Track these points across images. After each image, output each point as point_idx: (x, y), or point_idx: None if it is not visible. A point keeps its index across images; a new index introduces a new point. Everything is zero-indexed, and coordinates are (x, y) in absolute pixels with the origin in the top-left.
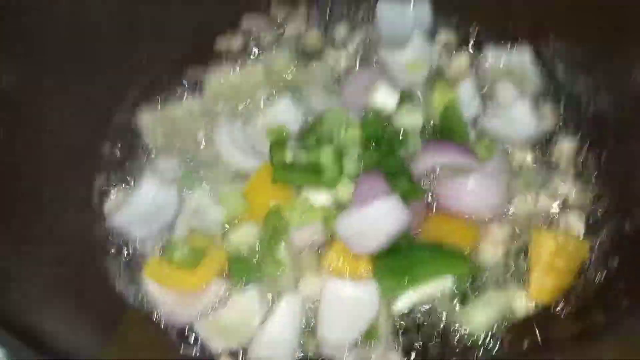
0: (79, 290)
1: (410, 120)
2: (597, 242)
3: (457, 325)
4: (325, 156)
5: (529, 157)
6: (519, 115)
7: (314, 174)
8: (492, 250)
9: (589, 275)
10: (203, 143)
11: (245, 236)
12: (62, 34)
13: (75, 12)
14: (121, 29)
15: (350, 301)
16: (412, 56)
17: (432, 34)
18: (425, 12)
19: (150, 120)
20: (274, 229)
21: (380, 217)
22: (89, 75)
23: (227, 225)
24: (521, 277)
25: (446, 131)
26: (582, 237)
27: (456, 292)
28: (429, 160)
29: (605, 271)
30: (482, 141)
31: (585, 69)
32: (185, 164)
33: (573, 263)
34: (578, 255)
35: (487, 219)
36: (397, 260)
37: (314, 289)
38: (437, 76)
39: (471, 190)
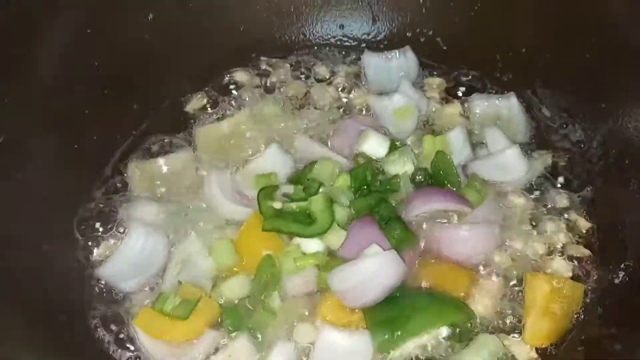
0: (66, 344)
1: (401, 167)
2: (590, 285)
3: None
4: (315, 204)
5: (519, 202)
6: (508, 161)
7: (304, 222)
8: (485, 295)
9: (584, 318)
10: (192, 193)
11: (237, 287)
12: (54, 85)
13: (67, 65)
14: (112, 82)
15: (343, 351)
16: (400, 103)
17: (419, 83)
18: (411, 62)
19: (139, 171)
20: (267, 278)
21: (376, 271)
22: (79, 126)
23: (218, 275)
24: (516, 321)
25: (437, 177)
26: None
27: (450, 338)
28: (422, 207)
29: (599, 315)
30: (473, 186)
31: (570, 114)
32: (174, 213)
33: (568, 306)
34: (573, 299)
35: (479, 265)
36: (390, 312)
37: (307, 338)
38: (426, 123)
39: (463, 237)
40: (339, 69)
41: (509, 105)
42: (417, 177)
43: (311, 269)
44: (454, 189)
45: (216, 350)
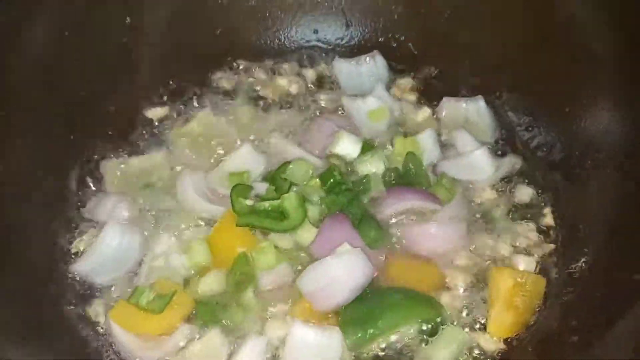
0: (42, 333)
1: (373, 167)
2: (552, 280)
3: None
4: (288, 202)
5: (486, 199)
6: (477, 161)
7: (276, 218)
8: (452, 291)
9: (545, 311)
10: (165, 192)
11: (213, 283)
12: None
13: (45, 67)
14: (89, 84)
15: (313, 348)
16: (374, 105)
17: (390, 86)
18: (381, 66)
19: (113, 170)
20: (241, 275)
21: (342, 272)
22: (55, 127)
23: (192, 272)
24: (481, 315)
25: (408, 177)
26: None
27: (419, 333)
28: (394, 206)
29: (559, 308)
30: (442, 184)
31: (535, 117)
32: (148, 211)
33: (530, 299)
34: (535, 292)
35: (447, 260)
36: (362, 310)
37: (278, 333)
38: (397, 125)
39: (432, 233)
40: (313, 72)
41: (477, 108)
42: (388, 177)
43: (284, 264)
44: (424, 188)
45: (188, 343)
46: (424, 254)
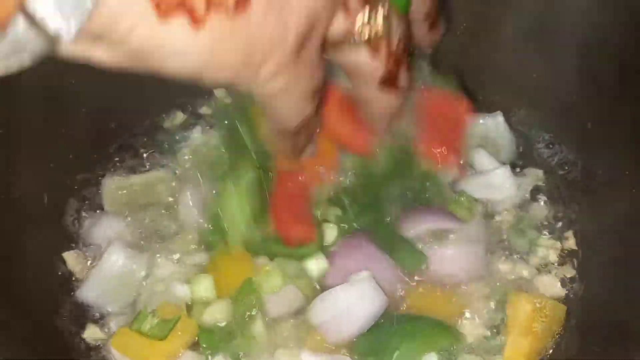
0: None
1: None
2: (572, 303)
3: None
4: None
5: (506, 220)
6: (497, 180)
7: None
8: (472, 318)
9: (565, 337)
10: (167, 212)
11: (217, 314)
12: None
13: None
14: (91, 98)
15: None
16: None
17: None
18: None
19: (113, 188)
20: (248, 304)
21: (354, 301)
22: (56, 142)
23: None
24: (497, 342)
25: (426, 195)
26: (559, 300)
27: None
28: (413, 230)
29: (579, 333)
30: (462, 203)
31: (556, 134)
32: (147, 234)
33: (550, 325)
34: (555, 318)
35: (465, 286)
36: (377, 340)
37: None
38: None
39: (450, 256)
40: None
41: (496, 124)
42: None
43: (291, 287)
44: (443, 207)
45: None
46: (440, 277)
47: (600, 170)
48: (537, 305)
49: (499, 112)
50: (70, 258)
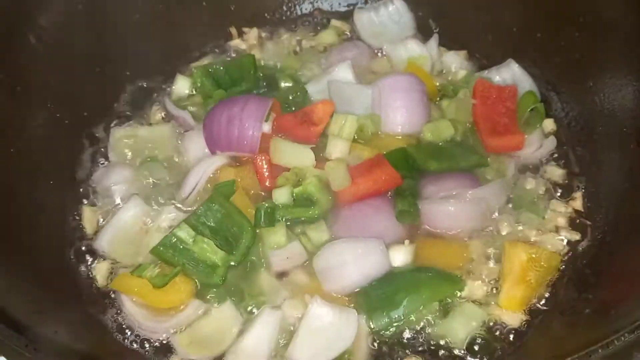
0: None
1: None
2: (574, 255)
3: (439, 339)
4: (312, 185)
5: (530, 184)
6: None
7: (305, 205)
8: (472, 267)
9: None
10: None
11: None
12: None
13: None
14: (102, 59)
15: (328, 329)
16: (415, 51)
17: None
18: (404, 14)
19: (121, 139)
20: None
21: (358, 257)
22: (70, 99)
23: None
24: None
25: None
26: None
27: (439, 308)
28: (437, 193)
29: (573, 283)
30: (494, 167)
31: (558, 92)
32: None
33: (544, 275)
34: (550, 267)
35: (470, 239)
36: (386, 292)
37: (295, 312)
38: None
39: (450, 212)
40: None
41: (512, 72)
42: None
43: (295, 242)
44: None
45: (200, 315)
46: (441, 231)
47: (600, 126)
48: (533, 255)
49: (510, 59)
50: (87, 211)
